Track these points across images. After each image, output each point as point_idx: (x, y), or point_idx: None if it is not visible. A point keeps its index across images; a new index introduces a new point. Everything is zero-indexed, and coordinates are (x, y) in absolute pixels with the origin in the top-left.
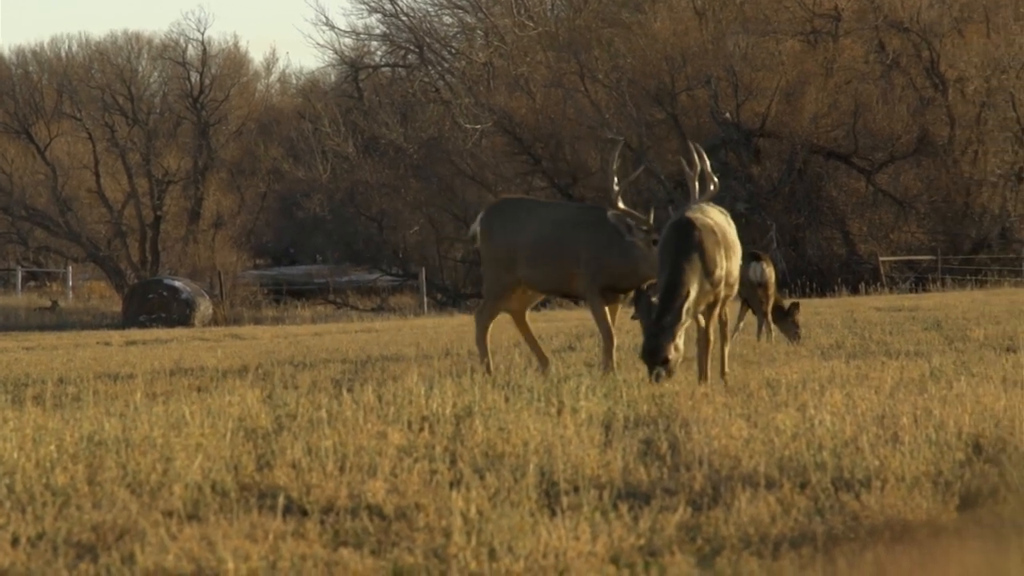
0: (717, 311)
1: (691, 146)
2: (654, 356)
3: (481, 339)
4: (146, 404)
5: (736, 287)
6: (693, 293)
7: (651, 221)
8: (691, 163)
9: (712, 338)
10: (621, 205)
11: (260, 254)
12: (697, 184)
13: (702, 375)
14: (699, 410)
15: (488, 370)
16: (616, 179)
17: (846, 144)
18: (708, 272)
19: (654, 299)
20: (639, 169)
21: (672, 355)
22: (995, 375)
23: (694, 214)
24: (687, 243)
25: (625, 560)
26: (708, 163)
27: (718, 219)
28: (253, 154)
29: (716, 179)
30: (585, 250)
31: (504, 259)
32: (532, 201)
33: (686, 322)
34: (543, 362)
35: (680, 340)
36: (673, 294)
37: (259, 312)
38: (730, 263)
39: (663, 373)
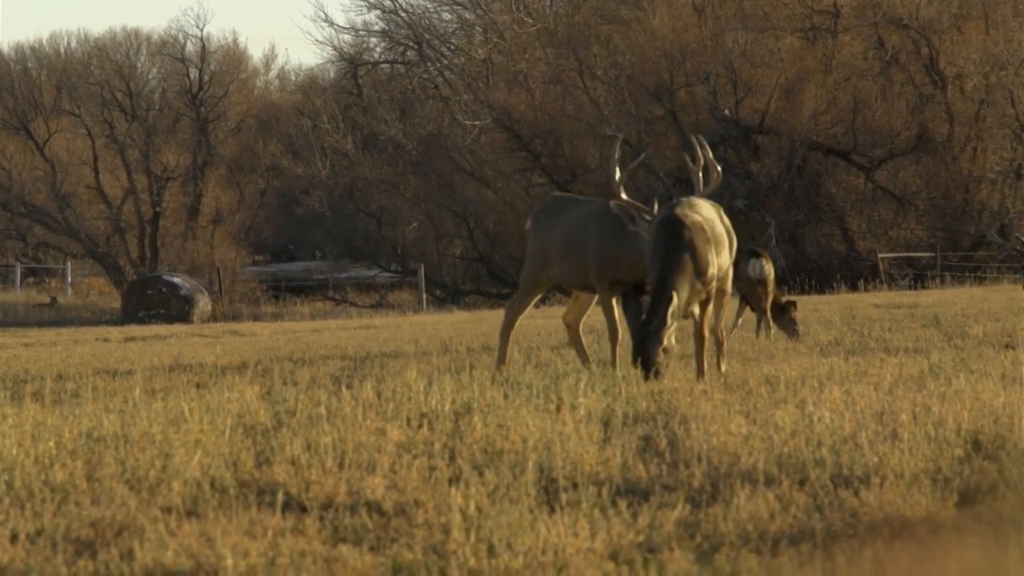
0: (711, 308)
1: (694, 139)
2: (643, 362)
3: (505, 332)
4: (145, 400)
5: (729, 279)
6: (681, 296)
7: (655, 211)
8: (694, 157)
9: (707, 335)
10: (623, 195)
11: (259, 250)
12: (701, 175)
13: (700, 372)
14: (698, 407)
15: (500, 362)
16: (618, 169)
17: (845, 141)
18: (700, 272)
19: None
20: (640, 157)
21: (660, 358)
22: (994, 372)
23: (683, 211)
24: (677, 243)
25: (624, 557)
26: (711, 153)
27: (708, 214)
28: (252, 150)
29: (719, 169)
30: (594, 242)
31: (539, 256)
32: (571, 199)
33: (672, 325)
34: (584, 361)
35: (670, 341)
36: (660, 297)
37: (258, 308)
38: (720, 258)
39: (657, 371)
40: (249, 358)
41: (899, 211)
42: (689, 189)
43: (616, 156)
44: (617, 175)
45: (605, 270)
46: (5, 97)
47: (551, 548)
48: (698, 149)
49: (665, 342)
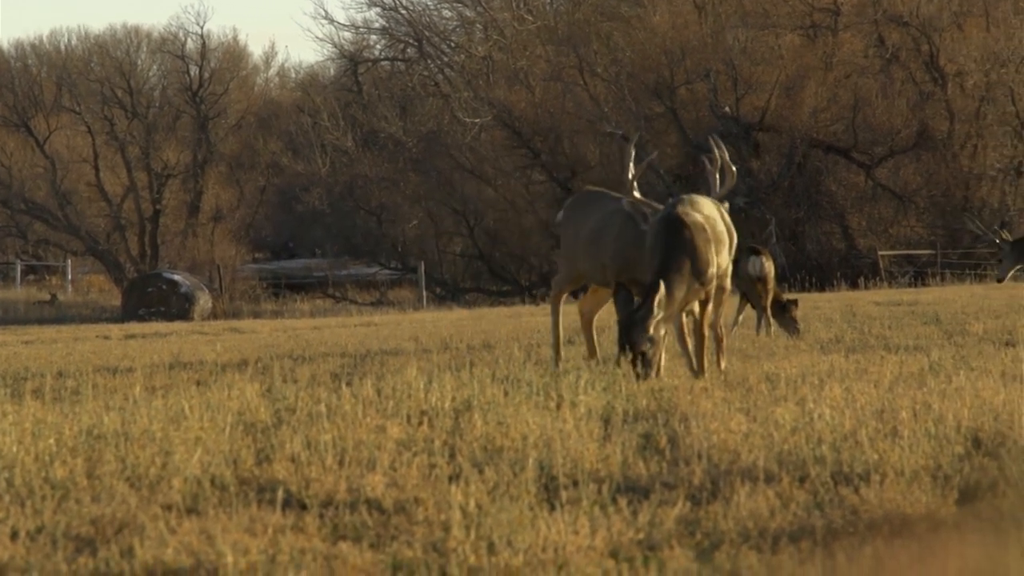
0: (711, 306)
1: (711, 139)
2: (633, 349)
3: (554, 312)
4: (145, 398)
5: (729, 277)
6: (673, 292)
7: None
8: (711, 157)
9: (707, 333)
10: (637, 194)
11: (259, 248)
12: (718, 176)
13: (700, 370)
14: (698, 404)
15: (556, 346)
16: (632, 167)
17: (845, 138)
18: (699, 271)
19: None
20: (652, 156)
21: (647, 347)
22: (994, 369)
23: (684, 209)
24: (677, 242)
25: (624, 554)
26: (727, 155)
27: (709, 212)
28: (252, 148)
29: (734, 170)
30: (613, 242)
31: (570, 251)
32: (601, 194)
33: (659, 315)
34: (591, 354)
35: (659, 333)
36: (652, 291)
37: (258, 306)
38: (721, 257)
39: (642, 368)
40: (249, 355)
41: (899, 209)
42: (689, 187)
43: (632, 155)
44: (630, 174)
45: (623, 271)
46: (5, 94)
47: (551, 546)
48: (715, 149)
49: (652, 331)
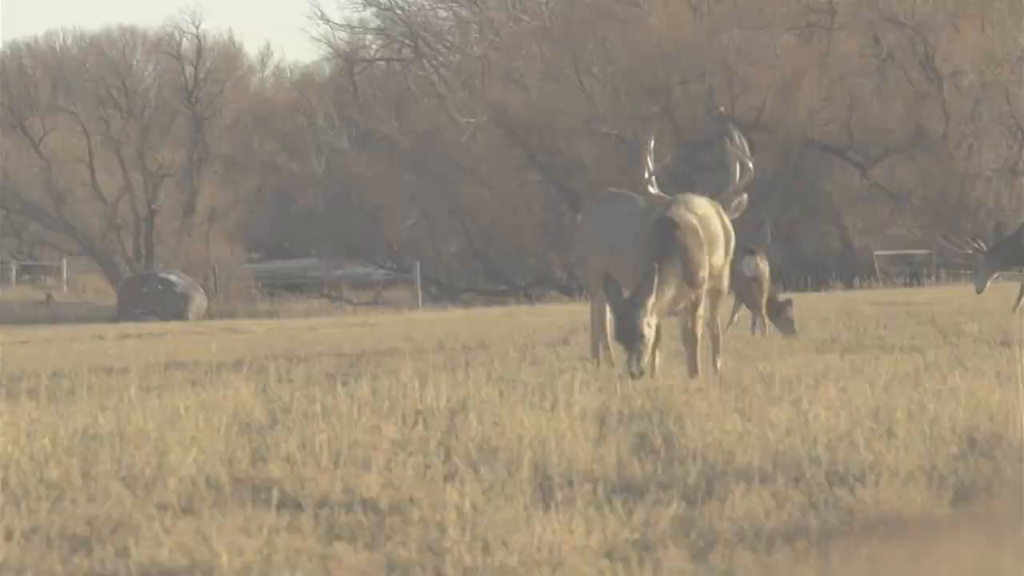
0: (702, 308)
1: (735, 132)
2: (630, 333)
3: (597, 322)
4: (140, 398)
5: (725, 277)
6: (666, 293)
7: None
8: (734, 144)
9: (700, 333)
10: (654, 190)
11: (254, 248)
12: (738, 166)
13: (693, 371)
14: (693, 404)
15: (604, 343)
16: (650, 162)
17: (841, 138)
18: (690, 274)
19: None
20: (668, 157)
21: (646, 331)
22: (989, 369)
23: (678, 210)
24: (668, 244)
25: (619, 554)
26: (748, 148)
27: (704, 212)
28: (248, 148)
29: (750, 166)
30: (632, 242)
31: (592, 251)
32: (623, 195)
33: (654, 298)
34: (596, 352)
35: (653, 319)
36: (649, 274)
37: (253, 306)
38: (714, 258)
39: (638, 359)
40: (244, 355)
41: (895, 209)
42: (684, 187)
43: (651, 148)
44: (647, 171)
45: (638, 274)
46: (1, 94)
47: (546, 545)
48: (736, 140)
49: (650, 313)
